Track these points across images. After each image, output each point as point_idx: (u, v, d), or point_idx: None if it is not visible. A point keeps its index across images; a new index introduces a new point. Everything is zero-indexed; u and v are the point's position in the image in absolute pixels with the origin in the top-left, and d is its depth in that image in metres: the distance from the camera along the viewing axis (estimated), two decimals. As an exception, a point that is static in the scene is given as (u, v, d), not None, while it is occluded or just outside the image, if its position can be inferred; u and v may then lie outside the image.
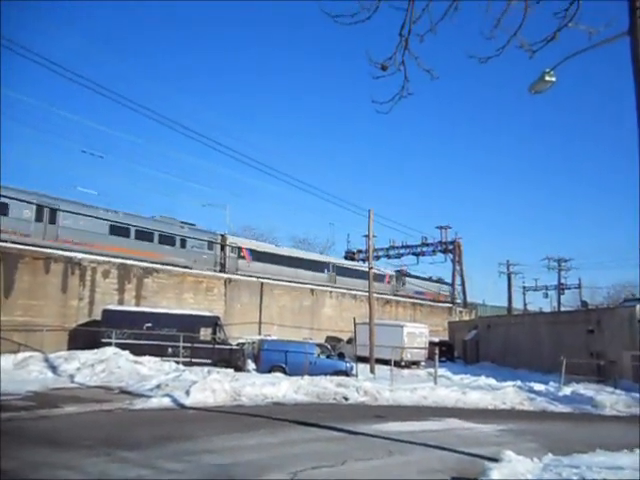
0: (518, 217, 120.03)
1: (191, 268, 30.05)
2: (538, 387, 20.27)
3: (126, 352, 20.02)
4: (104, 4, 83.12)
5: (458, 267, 54.99)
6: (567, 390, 19.50)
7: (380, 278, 44.45)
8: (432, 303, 50.82)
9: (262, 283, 32.96)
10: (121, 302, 25.58)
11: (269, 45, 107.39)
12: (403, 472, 7.95)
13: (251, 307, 31.87)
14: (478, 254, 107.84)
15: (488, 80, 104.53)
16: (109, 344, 20.84)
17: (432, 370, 23.26)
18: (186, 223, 32.30)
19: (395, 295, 47.57)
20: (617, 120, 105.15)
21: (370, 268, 28.24)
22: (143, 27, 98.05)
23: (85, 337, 22.24)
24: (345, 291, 39.96)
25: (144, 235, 28.59)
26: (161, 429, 10.35)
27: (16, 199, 22.97)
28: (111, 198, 73.08)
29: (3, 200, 22.78)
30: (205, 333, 23.37)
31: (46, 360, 19.26)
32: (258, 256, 36.03)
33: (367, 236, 30.53)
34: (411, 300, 47.72)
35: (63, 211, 25.47)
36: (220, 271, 32.55)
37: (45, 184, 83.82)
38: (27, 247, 23.21)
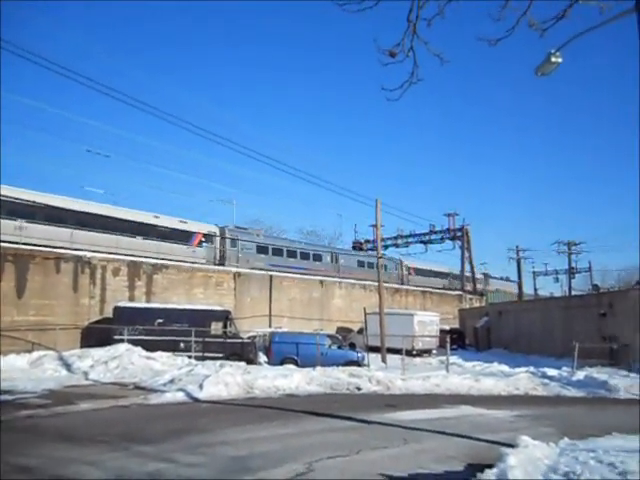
0: (527, 202, 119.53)
1: (388, 282, 41.95)
2: (551, 372, 20.21)
3: (138, 348, 20.14)
4: (109, 2, 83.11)
5: (467, 254, 54.71)
6: (580, 374, 19.42)
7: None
8: (442, 291, 50.69)
9: (271, 276, 32.99)
10: (132, 299, 25.70)
11: (273, 37, 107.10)
12: (419, 460, 7.96)
13: (261, 300, 31.93)
14: (487, 240, 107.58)
15: (495, 64, 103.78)
16: (121, 341, 20.95)
17: (444, 358, 23.23)
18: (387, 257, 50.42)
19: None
20: (627, 101, 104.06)
21: (379, 257, 28.21)
22: (147, 23, 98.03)
23: (97, 335, 22.38)
24: (354, 281, 39.97)
25: (370, 264, 43.84)
26: (176, 423, 10.43)
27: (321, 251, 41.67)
28: (117, 197, 73.30)
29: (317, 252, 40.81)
30: (216, 327, 23.46)
31: (60, 358, 19.42)
32: (417, 272, 52.77)
33: (375, 226, 30.50)
34: (421, 289, 47.63)
35: (340, 253, 44.10)
36: (401, 283, 47.75)
37: (52, 185, 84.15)
38: (37, 247, 23.35)
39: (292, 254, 38.11)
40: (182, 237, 30.74)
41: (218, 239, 33.17)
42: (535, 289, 67.00)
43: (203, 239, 32.03)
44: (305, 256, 39.23)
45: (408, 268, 51.42)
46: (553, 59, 8.68)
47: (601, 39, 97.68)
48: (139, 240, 28.16)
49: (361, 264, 44.86)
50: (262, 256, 35.42)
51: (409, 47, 5.98)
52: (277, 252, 36.69)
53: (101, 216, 27.02)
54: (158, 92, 68.48)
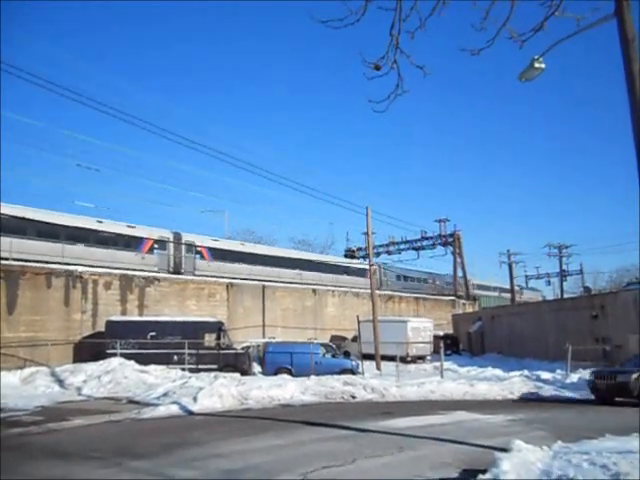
0: (518, 205, 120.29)
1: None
2: (545, 375, 20.29)
3: (132, 362, 20.00)
4: (97, 15, 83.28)
5: (459, 259, 54.92)
6: (574, 377, 19.50)
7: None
8: (435, 297, 50.80)
9: (264, 286, 32.94)
10: (124, 312, 25.57)
11: (260, 46, 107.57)
12: (414, 467, 7.95)
13: (254, 310, 31.85)
14: (479, 244, 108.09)
15: (484, 70, 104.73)
16: (114, 355, 20.81)
17: (438, 364, 23.25)
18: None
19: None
20: (615, 106, 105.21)
21: (371, 265, 28.26)
22: (134, 36, 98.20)
23: (90, 349, 22.23)
24: (347, 289, 39.98)
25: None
26: (170, 437, 10.36)
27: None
28: (109, 211, 73.04)
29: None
30: (209, 339, 23.36)
31: (52, 374, 19.25)
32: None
33: (366, 233, 30.56)
34: (414, 295, 47.72)
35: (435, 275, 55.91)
36: (467, 298, 53.77)
37: (43, 200, 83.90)
38: (28, 263, 23.22)
39: (412, 279, 53.28)
40: (361, 273, 44.23)
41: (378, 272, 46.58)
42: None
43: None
44: (416, 279, 53.70)
45: (473, 285, 60.05)
46: (537, 65, 8.80)
47: (593, 44, 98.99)
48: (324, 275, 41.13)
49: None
50: (398, 282, 50.12)
51: (393, 60, 6.06)
52: (404, 278, 51.73)
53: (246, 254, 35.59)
54: (145, 104, 68.47)
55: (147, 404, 14.67)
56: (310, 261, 41.35)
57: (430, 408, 14.65)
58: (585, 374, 19.85)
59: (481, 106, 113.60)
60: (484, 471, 6.49)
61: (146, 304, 26.87)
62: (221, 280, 31.12)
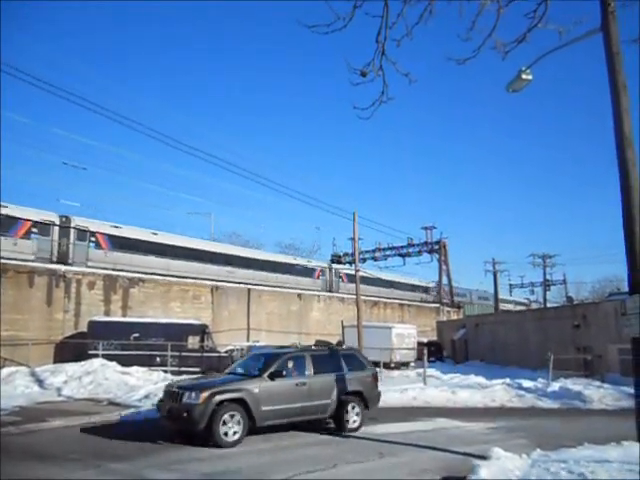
0: (503, 214, 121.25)
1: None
2: (527, 384, 20.36)
3: (113, 363, 19.78)
4: (97, 16, 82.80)
5: (444, 267, 55.25)
6: (555, 386, 19.60)
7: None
8: (420, 304, 51.02)
9: (249, 289, 32.86)
10: (107, 313, 25.35)
11: (251, 50, 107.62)
12: (394, 473, 7.97)
13: (239, 314, 31.75)
14: (464, 252, 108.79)
15: (473, 77, 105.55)
16: (96, 356, 20.57)
17: (421, 370, 23.29)
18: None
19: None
20: (599, 115, 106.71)
21: (357, 271, 28.28)
22: (128, 39, 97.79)
23: (72, 349, 21.99)
24: (332, 294, 40.01)
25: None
26: (150, 439, 10.27)
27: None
28: (94, 210, 72.65)
29: None
30: (193, 341, 23.22)
31: (32, 374, 18.97)
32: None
33: (353, 239, 30.62)
34: (399, 301, 47.87)
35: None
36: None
37: (28, 198, 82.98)
38: (9, 261, 22.96)
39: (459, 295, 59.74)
40: (421, 290, 55.44)
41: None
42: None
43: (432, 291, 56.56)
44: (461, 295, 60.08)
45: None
46: (524, 76, 8.93)
47: (583, 50, 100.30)
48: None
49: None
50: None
51: (379, 67, 6.12)
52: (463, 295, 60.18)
53: None
54: (140, 105, 68.14)
55: (128, 406, 14.53)
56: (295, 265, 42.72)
57: (412, 415, 14.69)
58: (567, 383, 20.03)
59: (468, 113, 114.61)
60: (462, 478, 6.54)
61: (130, 305, 26.68)
62: (206, 282, 30.99)
